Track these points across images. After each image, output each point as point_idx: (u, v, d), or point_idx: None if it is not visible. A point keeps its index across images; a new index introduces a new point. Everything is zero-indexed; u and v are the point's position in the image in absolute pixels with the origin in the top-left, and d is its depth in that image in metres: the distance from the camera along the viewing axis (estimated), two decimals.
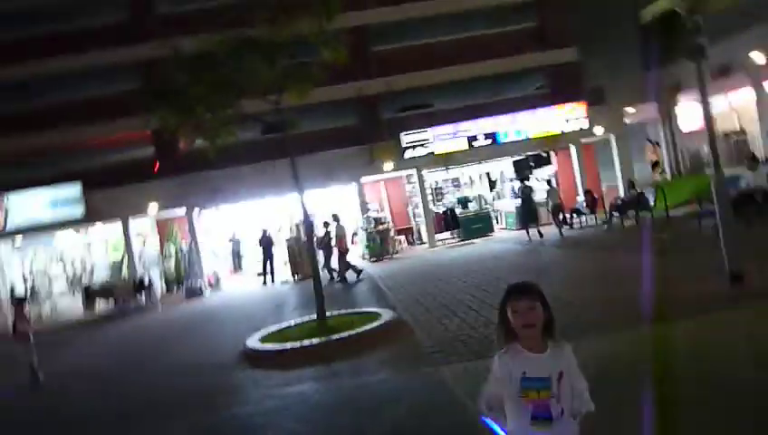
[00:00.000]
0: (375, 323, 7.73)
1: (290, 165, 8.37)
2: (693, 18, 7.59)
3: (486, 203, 23.25)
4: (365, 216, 19.93)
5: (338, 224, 15.56)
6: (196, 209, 20.12)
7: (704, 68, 7.98)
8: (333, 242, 15.30)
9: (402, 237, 21.79)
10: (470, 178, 24.85)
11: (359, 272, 14.92)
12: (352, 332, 7.40)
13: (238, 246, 22.62)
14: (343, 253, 15.16)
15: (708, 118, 7.71)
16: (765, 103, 19.03)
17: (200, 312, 14.42)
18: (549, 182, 19.19)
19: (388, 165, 20.23)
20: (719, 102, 24.35)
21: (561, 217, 17.36)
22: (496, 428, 2.36)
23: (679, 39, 8.33)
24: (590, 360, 5.00)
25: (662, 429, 3.60)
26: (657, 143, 25.55)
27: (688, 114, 22.38)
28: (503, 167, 23.49)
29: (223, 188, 19.04)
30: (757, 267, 7.16)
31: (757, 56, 17.49)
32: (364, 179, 20.67)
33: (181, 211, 20.02)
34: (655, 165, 25.39)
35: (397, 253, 19.82)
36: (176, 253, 20.37)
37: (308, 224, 9.14)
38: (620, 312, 6.61)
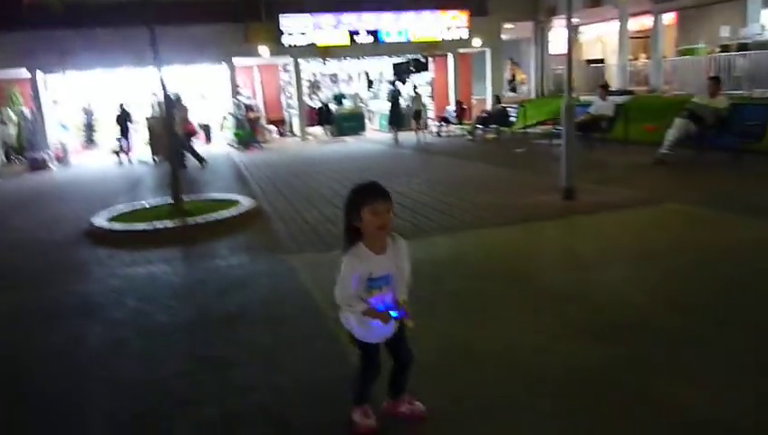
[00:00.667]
0: (233, 210, 7.66)
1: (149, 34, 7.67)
2: None
3: (362, 102, 23.21)
4: (235, 100, 19.07)
5: (180, 104, 14.48)
6: (42, 73, 17.99)
7: None
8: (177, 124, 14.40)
9: (273, 127, 21.29)
10: (349, 75, 24.49)
11: (201, 160, 14.17)
12: (208, 217, 7.30)
13: (92, 118, 20.81)
14: (188, 135, 14.36)
15: (569, 43, 8.12)
16: (626, 37, 20.38)
17: (44, 186, 13.33)
18: (414, 88, 19.61)
19: (264, 49, 19.26)
20: (589, 31, 25.69)
21: (421, 123, 18.07)
22: (393, 313, 2.53)
23: None
24: (426, 257, 5.55)
25: (469, 315, 4.07)
26: (518, 63, 26.70)
27: (558, 38, 23.44)
28: (382, 67, 23.35)
29: (74, 51, 17.07)
30: (589, 186, 8.01)
31: None
32: (236, 61, 19.57)
33: (23, 73, 17.80)
34: (517, 84, 26.68)
35: (266, 143, 19.41)
36: (16, 120, 18.31)
37: (167, 102, 8.55)
38: (464, 215, 7.13)
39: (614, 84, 19.36)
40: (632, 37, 22.84)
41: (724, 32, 17.60)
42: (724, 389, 2.97)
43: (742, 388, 2.98)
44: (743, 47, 15.68)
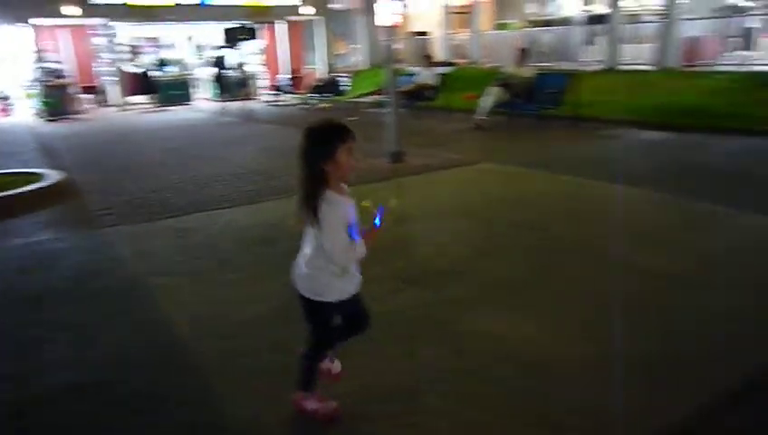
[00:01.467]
0: (37, 184, 6.86)
1: None
2: None
3: (188, 69, 21.90)
4: (40, 66, 16.95)
5: None
6: None
7: None
8: None
9: (87, 96, 19.34)
10: (173, 40, 22.92)
11: None
12: (5, 192, 6.47)
13: None
14: None
15: (399, 16, 8.30)
16: (447, 12, 21.45)
17: None
18: (241, 57, 19.11)
19: (69, 9, 17.28)
20: (415, 4, 26.58)
21: (249, 92, 17.73)
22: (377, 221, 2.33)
23: None
24: (258, 221, 5.54)
25: None
26: (342, 34, 27.00)
27: (386, 10, 23.99)
28: (210, 32, 22.17)
29: None
30: (415, 150, 8.41)
31: None
32: (39, 22, 17.34)
33: None
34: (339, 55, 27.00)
35: (80, 113, 17.59)
36: None
37: None
38: (294, 181, 7.11)
39: (438, 56, 20.38)
40: (455, 12, 24.13)
41: (531, 9, 19.33)
42: (534, 321, 3.35)
43: (552, 320, 3.37)
44: (547, 23, 17.37)
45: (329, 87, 16.95)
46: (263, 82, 21.19)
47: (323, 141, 2.17)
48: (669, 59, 13.53)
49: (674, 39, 13.57)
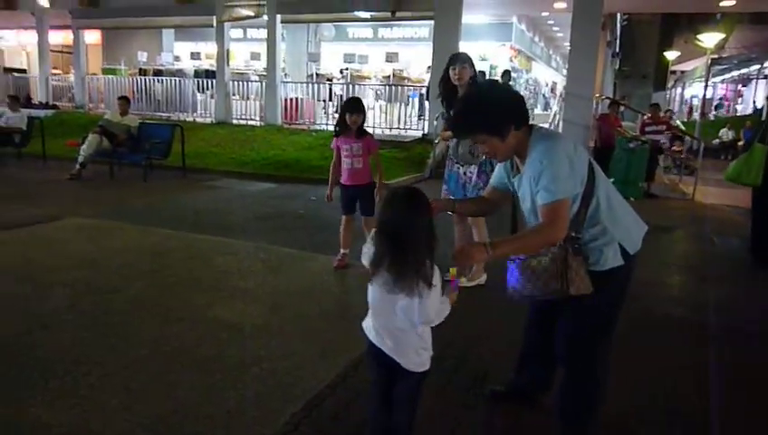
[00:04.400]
0: None
1: None
2: None
3: None
4: None
5: None
6: None
7: None
8: None
9: None
10: None
11: None
12: None
13: None
14: None
15: None
16: (47, 49, 19.32)
17: None
18: None
19: None
20: (9, 37, 23.35)
21: None
22: None
23: None
24: None
25: None
26: None
27: None
28: None
29: None
30: None
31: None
32: None
33: None
34: None
35: None
36: None
37: None
38: None
39: (39, 97, 18.09)
40: (60, 51, 21.97)
41: (142, 57, 18.79)
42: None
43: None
44: (158, 73, 17.10)
45: None
46: None
47: (427, 211, 2.13)
48: (273, 116, 14.77)
49: (276, 99, 14.89)
